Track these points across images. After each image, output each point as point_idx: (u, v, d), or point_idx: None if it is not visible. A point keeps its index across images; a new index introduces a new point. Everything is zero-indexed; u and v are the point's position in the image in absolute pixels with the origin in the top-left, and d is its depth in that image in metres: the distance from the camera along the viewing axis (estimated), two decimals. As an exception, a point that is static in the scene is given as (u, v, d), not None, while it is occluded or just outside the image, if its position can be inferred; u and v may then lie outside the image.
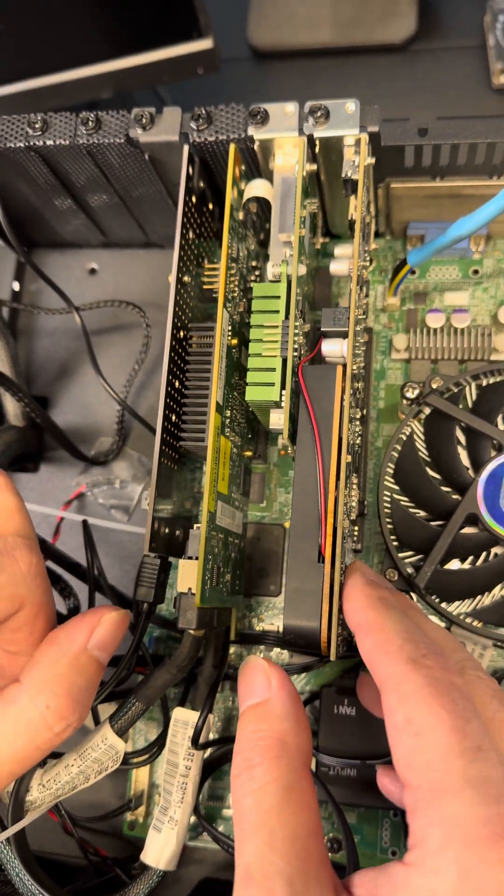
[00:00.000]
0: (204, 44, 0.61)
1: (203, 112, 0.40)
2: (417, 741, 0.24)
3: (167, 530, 0.39)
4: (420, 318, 0.48)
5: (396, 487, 0.43)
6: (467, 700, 0.25)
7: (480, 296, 0.48)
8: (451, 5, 0.69)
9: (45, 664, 0.31)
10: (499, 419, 0.42)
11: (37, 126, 0.42)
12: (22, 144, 0.43)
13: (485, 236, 0.48)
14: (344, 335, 0.37)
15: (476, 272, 0.48)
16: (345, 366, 0.37)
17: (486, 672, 0.30)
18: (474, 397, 0.43)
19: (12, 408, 0.51)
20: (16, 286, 0.56)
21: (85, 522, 0.42)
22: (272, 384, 0.38)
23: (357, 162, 0.39)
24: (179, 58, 0.62)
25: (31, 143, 0.43)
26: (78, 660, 0.31)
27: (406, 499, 0.42)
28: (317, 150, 0.40)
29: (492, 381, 0.43)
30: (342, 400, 0.36)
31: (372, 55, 0.69)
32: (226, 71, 0.63)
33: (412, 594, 0.42)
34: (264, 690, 0.29)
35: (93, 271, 0.56)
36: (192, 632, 0.37)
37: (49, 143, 0.42)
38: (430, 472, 0.42)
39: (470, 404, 0.43)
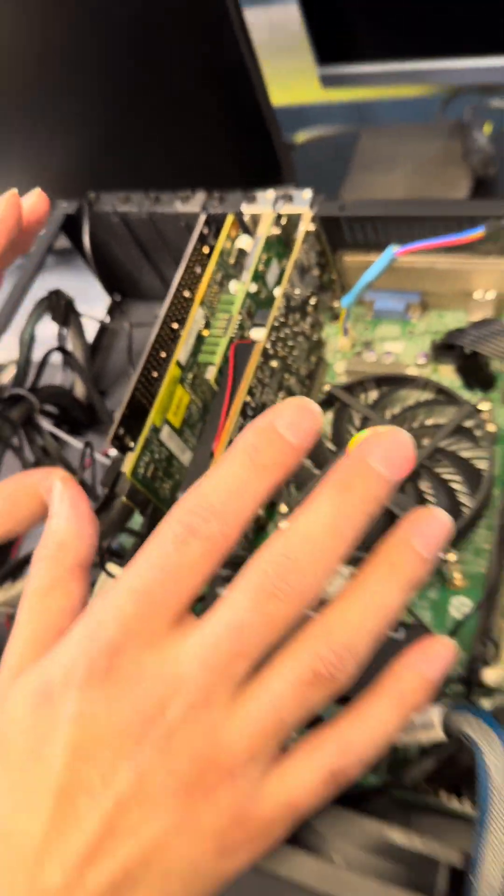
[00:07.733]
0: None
1: (217, 195, 0.63)
2: None
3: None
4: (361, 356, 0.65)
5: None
6: None
7: (411, 346, 0.64)
8: None
9: None
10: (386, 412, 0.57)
11: (120, 198, 0.67)
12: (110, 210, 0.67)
13: (419, 306, 0.65)
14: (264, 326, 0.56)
15: (411, 332, 0.65)
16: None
17: None
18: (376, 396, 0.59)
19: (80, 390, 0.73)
20: (107, 319, 0.80)
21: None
22: (214, 353, 0.56)
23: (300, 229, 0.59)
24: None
25: (116, 209, 0.67)
26: None
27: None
28: (282, 222, 0.61)
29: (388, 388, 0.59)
30: (255, 367, 0.54)
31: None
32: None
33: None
34: None
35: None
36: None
37: (125, 209, 0.67)
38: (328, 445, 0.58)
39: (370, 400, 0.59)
